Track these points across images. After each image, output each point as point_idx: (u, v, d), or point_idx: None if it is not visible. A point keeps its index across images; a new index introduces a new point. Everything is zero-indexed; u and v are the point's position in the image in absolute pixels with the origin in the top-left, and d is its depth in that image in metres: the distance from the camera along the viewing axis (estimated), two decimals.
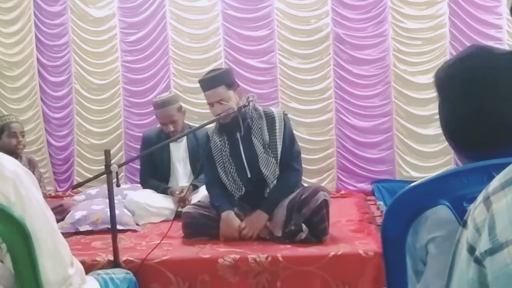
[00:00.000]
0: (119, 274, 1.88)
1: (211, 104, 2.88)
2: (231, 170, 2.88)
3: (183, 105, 4.50)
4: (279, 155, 2.83)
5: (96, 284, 1.61)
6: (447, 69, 1.08)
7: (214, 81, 2.85)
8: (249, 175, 2.85)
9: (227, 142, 2.90)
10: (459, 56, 1.07)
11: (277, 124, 2.85)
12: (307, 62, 4.66)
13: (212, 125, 2.99)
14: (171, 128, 3.65)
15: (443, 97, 1.10)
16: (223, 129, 2.91)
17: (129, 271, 1.97)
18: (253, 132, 2.85)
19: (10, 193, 1.20)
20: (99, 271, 1.90)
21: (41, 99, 5.04)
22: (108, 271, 1.91)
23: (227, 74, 2.96)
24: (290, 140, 2.89)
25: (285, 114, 2.93)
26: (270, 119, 2.87)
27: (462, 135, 1.05)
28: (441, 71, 1.09)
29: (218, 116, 2.82)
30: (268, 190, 2.84)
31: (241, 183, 2.88)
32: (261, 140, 2.83)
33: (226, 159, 2.89)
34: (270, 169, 2.82)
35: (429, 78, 4.50)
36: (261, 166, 2.82)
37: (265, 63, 4.72)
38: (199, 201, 3.10)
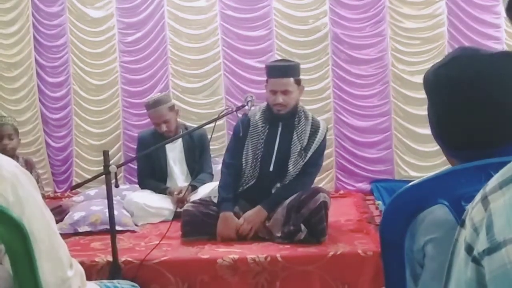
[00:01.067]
0: (124, 284, 1.87)
1: (273, 92, 2.88)
2: (257, 157, 2.90)
3: (181, 105, 4.51)
4: (305, 161, 2.90)
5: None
6: (435, 71, 1.08)
7: (286, 70, 2.89)
8: (271, 169, 2.87)
9: (267, 130, 2.91)
10: (447, 58, 1.08)
11: (319, 134, 2.94)
12: (306, 62, 4.65)
13: (258, 107, 2.99)
14: (164, 128, 3.65)
15: (431, 99, 1.11)
16: (270, 117, 2.92)
17: (135, 284, 1.96)
18: (297, 132, 2.90)
19: (8, 193, 1.20)
20: (104, 280, 1.90)
21: (40, 100, 5.03)
22: (114, 281, 1.90)
23: (298, 68, 3.00)
24: (319, 153, 2.97)
25: (328, 129, 3.05)
26: (314, 127, 2.95)
27: (450, 136, 1.06)
28: (430, 73, 1.10)
29: (216, 117, 2.82)
30: (275, 187, 2.86)
31: (257, 173, 2.89)
32: (301, 141, 2.89)
33: (260, 145, 2.91)
34: (295, 170, 2.89)
35: None
36: (290, 164, 2.86)
37: (264, 63, 4.70)
38: (200, 198, 3.11)
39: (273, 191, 2.88)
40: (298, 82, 2.92)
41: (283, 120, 2.91)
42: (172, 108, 3.74)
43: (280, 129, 2.91)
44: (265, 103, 3.00)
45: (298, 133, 2.89)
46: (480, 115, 1.00)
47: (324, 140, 2.97)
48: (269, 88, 2.92)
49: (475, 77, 1.01)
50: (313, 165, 2.95)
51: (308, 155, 2.89)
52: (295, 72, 2.92)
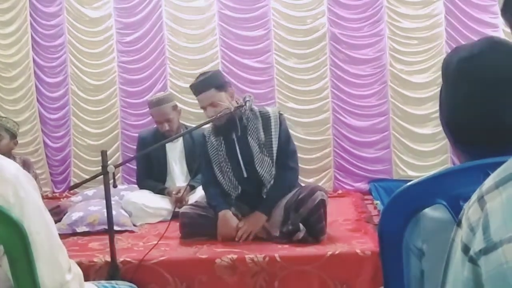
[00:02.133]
0: (122, 285, 1.87)
1: (204, 108, 2.89)
2: (227, 170, 2.89)
3: (180, 105, 4.50)
4: (274, 155, 2.84)
5: None
6: (459, 62, 1.03)
7: (203, 84, 2.86)
8: (245, 175, 2.86)
9: (223, 142, 2.90)
10: (473, 49, 1.03)
11: (272, 123, 2.85)
12: (304, 62, 4.66)
13: (209, 125, 2.99)
14: (167, 127, 3.65)
15: (448, 87, 1.07)
16: (219, 130, 2.91)
17: (133, 285, 1.96)
18: (249, 132, 2.85)
19: (9, 195, 1.20)
20: (102, 281, 1.89)
21: (38, 100, 5.03)
22: (112, 281, 1.90)
23: (216, 76, 2.95)
24: (285, 139, 2.88)
25: (280, 114, 2.93)
26: (265, 119, 2.87)
27: (468, 133, 1.03)
28: (454, 61, 1.05)
29: (214, 117, 2.82)
30: (265, 190, 2.85)
31: (237, 182, 2.88)
32: (256, 140, 2.84)
33: (223, 159, 2.89)
34: (265, 169, 2.83)
35: (426, 77, 4.53)
36: (256, 166, 2.82)
37: (262, 63, 4.72)
38: (196, 202, 3.10)
39: (263, 194, 2.86)
40: (221, 88, 2.86)
41: (231, 127, 2.86)
42: (175, 107, 3.74)
43: (234, 136, 2.88)
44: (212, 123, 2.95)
45: (251, 132, 2.85)
46: (499, 113, 0.98)
47: (282, 126, 2.87)
48: (199, 106, 2.93)
49: (504, 74, 0.98)
50: (287, 154, 2.87)
51: (274, 149, 2.83)
52: (213, 81, 2.86)
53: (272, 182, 2.84)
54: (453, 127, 1.06)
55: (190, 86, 2.98)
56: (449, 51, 4.18)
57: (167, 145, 3.64)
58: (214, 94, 2.83)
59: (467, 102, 1.02)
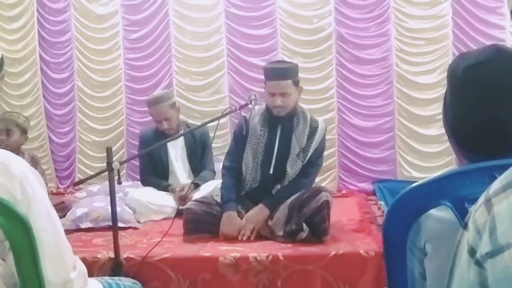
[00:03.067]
0: (126, 281, 1.88)
1: (272, 94, 2.86)
2: (257, 160, 2.90)
3: (185, 102, 4.52)
4: (305, 162, 2.89)
5: (99, 285, 1.61)
6: (466, 70, 1.03)
7: (284, 72, 2.85)
8: (271, 171, 2.87)
9: (267, 133, 2.91)
10: (479, 57, 1.03)
11: (317, 134, 2.92)
12: (310, 61, 4.65)
13: (257, 109, 2.96)
14: (165, 125, 3.65)
15: (453, 94, 1.07)
16: (269, 119, 2.91)
17: (136, 282, 1.97)
18: (295, 133, 2.88)
19: (16, 191, 1.21)
20: (106, 277, 1.90)
21: (43, 96, 5.04)
22: (115, 278, 1.91)
23: (296, 69, 2.96)
24: (319, 152, 2.97)
25: (326, 129, 3.02)
26: (313, 127, 2.93)
27: (471, 139, 1.03)
28: (459, 69, 1.05)
29: (219, 115, 2.82)
30: (277, 187, 2.87)
31: (259, 176, 2.89)
32: (299, 143, 2.88)
33: (260, 149, 2.90)
34: (294, 171, 2.89)
35: (432, 78, 4.51)
36: (288, 166, 2.87)
37: (266, 64, 4.71)
38: (202, 197, 3.11)
39: (273, 192, 2.88)
40: (296, 83, 2.89)
41: (282, 122, 2.90)
42: (173, 105, 3.74)
43: (279, 131, 2.90)
44: (264, 105, 2.98)
45: (297, 135, 2.88)
46: (504, 121, 0.98)
47: (323, 140, 2.96)
48: (267, 90, 2.90)
49: (507, 83, 0.99)
50: (313, 165, 2.95)
51: (308, 156, 2.89)
52: (293, 73, 2.89)
53: (286, 182, 2.86)
54: (457, 133, 1.06)
55: (268, 68, 2.94)
56: (456, 52, 4.15)
57: (168, 143, 3.64)
58: (289, 85, 2.84)
59: (472, 109, 1.02)
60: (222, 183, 2.99)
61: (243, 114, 3.00)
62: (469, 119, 1.03)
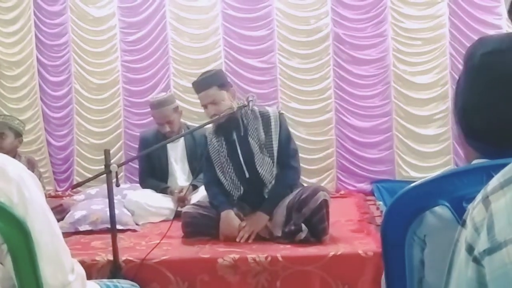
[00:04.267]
0: (124, 284, 1.88)
1: (204, 106, 2.89)
2: (229, 170, 2.89)
3: (183, 104, 4.51)
4: (275, 155, 2.85)
5: (97, 287, 1.60)
6: (485, 56, 0.99)
7: (205, 82, 2.88)
8: (247, 175, 2.86)
9: (224, 143, 2.91)
10: (500, 45, 0.99)
11: (272, 123, 2.86)
12: (307, 62, 4.66)
13: (210, 126, 2.99)
14: (168, 128, 3.66)
15: (469, 83, 1.03)
16: (220, 130, 2.92)
17: (135, 284, 1.96)
18: (249, 132, 2.86)
19: (13, 194, 1.20)
20: (104, 280, 1.90)
21: (41, 99, 5.04)
22: (114, 280, 1.91)
23: (218, 75, 2.98)
24: (286, 139, 2.90)
25: (280, 113, 2.94)
26: (265, 119, 2.88)
27: (481, 128, 0.99)
28: (478, 54, 1.01)
29: (217, 116, 2.82)
30: (266, 190, 2.85)
31: (239, 183, 2.89)
32: (257, 140, 2.85)
33: (224, 160, 2.90)
34: (266, 169, 2.84)
35: (429, 78, 4.52)
36: (257, 166, 2.83)
37: (265, 63, 4.72)
38: (198, 201, 3.11)
39: (265, 193, 2.86)
40: (223, 87, 2.87)
41: (232, 127, 2.87)
42: (176, 109, 3.75)
43: (235, 136, 2.89)
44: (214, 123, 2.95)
45: (251, 132, 2.86)
46: None
47: (282, 125, 2.88)
48: (200, 103, 2.93)
49: None
50: (288, 153, 2.89)
51: (274, 149, 2.84)
52: (215, 79, 2.88)
53: (273, 181, 2.85)
54: (467, 119, 1.02)
55: (192, 83, 2.99)
56: (453, 52, 4.14)
57: (168, 145, 3.64)
58: (215, 92, 2.85)
59: (485, 97, 0.98)
60: (208, 196, 2.99)
61: (204, 132, 3.04)
62: (480, 106, 0.99)
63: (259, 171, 2.83)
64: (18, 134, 3.70)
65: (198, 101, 4.65)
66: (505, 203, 0.59)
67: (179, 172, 3.78)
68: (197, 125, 3.65)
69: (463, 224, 0.68)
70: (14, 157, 3.39)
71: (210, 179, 2.98)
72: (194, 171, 3.67)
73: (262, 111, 2.91)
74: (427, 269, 1.04)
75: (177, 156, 3.79)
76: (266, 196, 2.85)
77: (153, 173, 3.75)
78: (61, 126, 5.08)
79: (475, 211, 0.64)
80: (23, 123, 3.85)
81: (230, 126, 2.86)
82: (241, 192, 2.89)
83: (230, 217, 2.81)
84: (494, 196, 0.62)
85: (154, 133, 3.78)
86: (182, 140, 3.77)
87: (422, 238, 1.04)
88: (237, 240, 2.75)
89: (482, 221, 0.61)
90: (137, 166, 4.16)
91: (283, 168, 2.87)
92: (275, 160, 2.85)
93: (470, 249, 0.62)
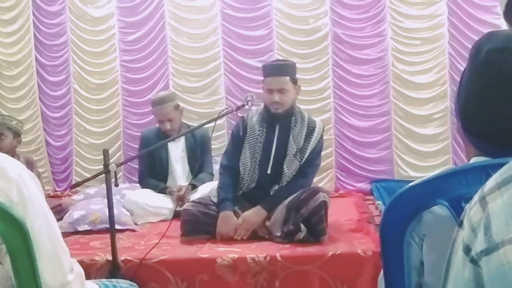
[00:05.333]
0: (123, 284, 1.88)
1: (270, 91, 2.88)
2: (256, 160, 2.90)
3: (182, 104, 4.50)
4: (303, 162, 2.90)
5: (96, 287, 1.61)
6: (490, 54, 0.97)
7: (283, 69, 2.91)
8: (269, 171, 2.87)
9: (265, 133, 2.91)
10: (507, 42, 0.97)
11: (315, 134, 2.93)
12: (306, 61, 4.66)
13: (254, 109, 2.98)
14: (168, 126, 3.66)
15: (473, 78, 1.01)
16: (268, 119, 2.92)
17: (134, 284, 1.96)
18: (293, 133, 2.89)
19: (13, 194, 1.20)
20: (103, 279, 1.90)
21: (40, 99, 5.04)
22: (113, 280, 1.91)
23: (295, 68, 3.01)
24: (317, 152, 2.98)
25: (323, 129, 3.02)
26: (311, 127, 2.94)
27: (482, 124, 0.99)
28: (483, 50, 0.99)
29: (215, 117, 2.82)
30: (274, 188, 2.87)
31: (257, 176, 2.89)
32: (297, 143, 2.89)
33: (258, 149, 2.91)
34: (291, 171, 2.89)
35: (428, 78, 4.52)
36: (285, 165, 2.87)
37: (264, 63, 4.71)
38: (199, 198, 3.11)
39: (271, 192, 2.88)
40: (294, 81, 2.91)
41: (279, 122, 2.91)
42: (177, 107, 3.75)
43: (277, 131, 2.91)
44: (262, 105, 2.99)
45: (294, 135, 2.89)
46: None
47: (320, 140, 2.96)
48: (265, 87, 2.92)
49: None
50: (311, 165, 2.95)
51: (305, 156, 2.89)
52: (291, 71, 2.92)
53: (283, 183, 2.86)
54: (468, 115, 1.01)
55: (267, 65, 3.01)
56: (452, 52, 4.13)
57: (169, 144, 3.65)
58: (287, 82, 2.87)
59: (488, 95, 0.97)
60: (219, 182, 2.99)
61: (240, 114, 3.00)
62: (483, 102, 0.98)
63: (285, 171, 2.87)
64: (17, 134, 3.71)
65: (197, 101, 4.75)
66: (502, 204, 0.59)
67: (179, 172, 3.78)
68: (195, 124, 3.66)
69: (460, 224, 0.68)
70: (12, 157, 3.38)
71: (228, 164, 2.99)
72: (194, 171, 3.67)
73: (310, 120, 2.98)
74: (426, 269, 1.04)
75: (177, 156, 3.79)
76: (271, 193, 2.87)
77: (153, 173, 3.75)
78: (60, 126, 5.08)
79: (472, 211, 0.64)
80: (21, 123, 3.84)
81: (278, 120, 2.89)
82: (253, 185, 2.90)
83: (228, 218, 2.81)
84: (491, 196, 0.62)
85: (155, 132, 3.78)
86: (182, 139, 3.77)
87: (422, 237, 1.04)
88: (235, 237, 2.76)
89: (479, 222, 0.61)
90: (136, 166, 4.16)
91: (299, 175, 2.92)
92: (300, 167, 2.90)
93: (467, 249, 0.62)
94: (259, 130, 2.92)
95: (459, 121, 1.04)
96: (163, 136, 3.60)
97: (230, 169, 2.96)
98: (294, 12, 4.66)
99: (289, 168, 2.87)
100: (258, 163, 2.90)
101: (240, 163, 2.92)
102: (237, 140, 2.96)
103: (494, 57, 0.97)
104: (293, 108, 2.93)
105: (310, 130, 2.92)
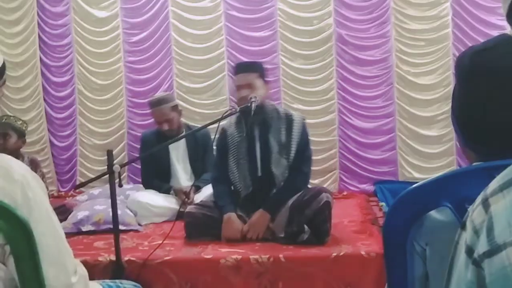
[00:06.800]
0: (127, 284, 1.88)
1: (239, 87, 2.90)
2: (244, 166, 2.89)
3: (185, 105, 4.52)
4: (291, 158, 2.85)
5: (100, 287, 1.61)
6: (472, 56, 0.99)
7: (249, 66, 3.00)
8: (259, 174, 2.87)
9: (245, 137, 2.91)
10: (487, 44, 0.99)
11: (295, 127, 2.88)
12: (310, 62, 4.66)
13: (229, 118, 2.98)
14: (166, 127, 3.66)
15: (461, 85, 1.02)
16: (243, 123, 2.91)
17: (138, 285, 1.97)
18: (271, 131, 2.86)
19: (17, 195, 1.20)
20: (107, 280, 1.90)
21: (44, 100, 5.05)
22: (117, 280, 1.91)
23: (263, 67, 3.06)
24: (305, 144, 2.92)
25: (304, 120, 2.97)
26: (289, 121, 2.90)
27: (479, 128, 0.98)
28: (466, 58, 1.00)
29: (219, 117, 2.82)
30: (274, 190, 2.85)
31: (250, 181, 2.88)
32: (278, 141, 2.85)
33: (242, 155, 2.90)
34: (280, 170, 2.84)
35: (432, 79, 4.51)
36: (272, 166, 2.84)
37: (268, 64, 4.71)
38: (202, 201, 3.10)
39: (271, 194, 2.86)
40: (263, 77, 2.93)
41: (257, 123, 2.87)
42: (175, 107, 3.74)
43: (257, 133, 2.89)
44: (237, 114, 2.94)
45: (273, 132, 2.86)
46: None
47: (304, 132, 2.90)
48: (235, 84, 2.97)
49: None
50: (302, 159, 2.89)
51: (292, 151, 2.85)
52: (260, 69, 2.97)
53: (282, 183, 2.85)
54: (465, 122, 1.01)
55: (237, 64, 3.13)
56: (456, 53, 4.14)
57: (170, 145, 3.65)
58: (254, 78, 2.88)
59: (480, 96, 0.97)
60: (214, 192, 2.99)
61: (222, 125, 3.00)
62: (476, 106, 0.98)
63: (274, 171, 2.83)
64: (22, 135, 3.71)
65: (200, 102, 4.75)
66: (504, 206, 0.59)
67: (181, 172, 3.79)
68: (199, 125, 3.66)
69: (463, 226, 0.68)
70: (17, 157, 3.38)
71: (219, 175, 2.98)
72: (196, 171, 3.67)
73: (287, 113, 2.94)
74: (431, 277, 1.04)
75: (178, 156, 3.79)
76: (272, 196, 2.86)
77: (156, 173, 3.75)
78: (64, 126, 5.09)
79: (474, 213, 0.64)
80: (26, 124, 3.85)
81: (254, 121, 2.87)
82: (249, 191, 2.89)
83: (232, 220, 2.81)
84: (493, 198, 0.62)
85: (155, 134, 3.78)
86: (183, 140, 3.77)
87: (424, 247, 1.04)
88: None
89: (481, 224, 0.61)
90: (140, 167, 4.16)
91: (295, 172, 2.87)
92: (290, 163, 2.86)
93: (469, 251, 0.62)
94: (239, 137, 2.91)
95: (459, 131, 1.04)
96: (163, 137, 3.59)
97: (221, 179, 2.96)
98: (298, 13, 4.66)
99: (277, 168, 2.83)
100: (247, 169, 2.89)
101: (229, 173, 2.92)
102: (222, 152, 2.96)
103: (477, 59, 0.98)
104: (266, 106, 2.89)
105: (289, 124, 2.88)
